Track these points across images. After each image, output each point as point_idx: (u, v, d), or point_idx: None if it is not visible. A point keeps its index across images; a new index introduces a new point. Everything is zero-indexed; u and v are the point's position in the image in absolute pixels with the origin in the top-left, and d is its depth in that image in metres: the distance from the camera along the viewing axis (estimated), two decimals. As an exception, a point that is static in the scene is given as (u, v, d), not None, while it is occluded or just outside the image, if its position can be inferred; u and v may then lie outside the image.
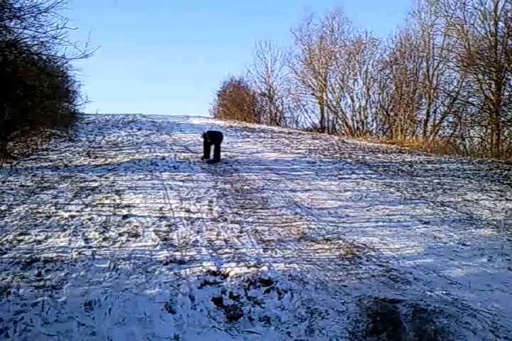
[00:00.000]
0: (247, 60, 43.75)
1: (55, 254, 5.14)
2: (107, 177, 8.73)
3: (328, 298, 4.39)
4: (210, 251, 5.49)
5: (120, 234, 5.89)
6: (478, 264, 5.63)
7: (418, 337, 3.59)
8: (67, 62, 12.11)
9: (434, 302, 4.26)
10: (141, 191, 7.89)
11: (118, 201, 7.32)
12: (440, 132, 18.77)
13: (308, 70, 22.73)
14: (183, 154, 11.14)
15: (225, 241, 5.86)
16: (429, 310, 3.96)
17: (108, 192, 7.77)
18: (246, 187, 8.61)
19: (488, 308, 4.36)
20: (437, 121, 19.01)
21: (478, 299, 4.56)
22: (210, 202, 7.51)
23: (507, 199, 8.74)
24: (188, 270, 4.89)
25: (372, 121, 20.63)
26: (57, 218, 6.41)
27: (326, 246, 5.94)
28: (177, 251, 5.42)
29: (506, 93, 16.11)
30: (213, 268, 4.94)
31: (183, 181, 8.67)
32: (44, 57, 11.03)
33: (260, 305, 4.29)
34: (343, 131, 20.33)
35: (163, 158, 10.49)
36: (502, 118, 15.72)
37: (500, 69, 15.98)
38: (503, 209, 8.12)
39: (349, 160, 11.61)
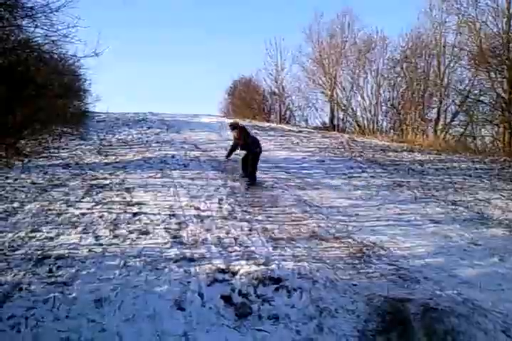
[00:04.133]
0: (258, 59, 43.63)
1: (66, 251, 5.19)
2: (117, 175, 8.77)
3: (338, 297, 4.39)
4: (220, 248, 5.50)
5: (130, 232, 5.92)
6: (490, 264, 5.59)
7: (428, 337, 3.58)
8: (78, 61, 12.21)
9: (445, 301, 4.24)
10: (151, 189, 7.92)
11: (128, 199, 7.36)
12: (451, 131, 18.58)
13: (318, 68, 22.61)
14: (193, 152, 11.15)
15: (235, 239, 5.87)
16: (439, 309, 3.95)
17: (118, 190, 7.81)
18: (255, 185, 8.61)
19: (500, 308, 4.34)
20: (448, 120, 18.80)
21: (489, 299, 4.54)
22: (220, 200, 7.53)
23: (519, 199, 8.65)
24: (197, 267, 4.91)
25: (383, 119, 20.51)
26: (68, 215, 6.46)
27: (336, 245, 5.93)
28: (187, 248, 5.44)
29: (519, 91, 15.90)
30: (222, 266, 4.95)
31: (192, 179, 8.69)
32: (55, 56, 11.12)
33: (269, 303, 4.30)
34: (353, 130, 20.21)
35: (173, 156, 10.51)
36: (515, 117, 15.52)
37: (512, 68, 15.79)
38: (515, 208, 8.05)
39: (359, 159, 11.55)
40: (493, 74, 16.73)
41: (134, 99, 46.74)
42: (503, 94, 16.45)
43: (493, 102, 16.96)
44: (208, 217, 6.68)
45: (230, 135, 10.55)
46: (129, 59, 49.64)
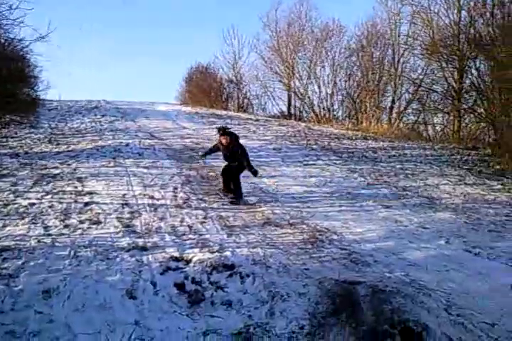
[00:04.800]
0: (215, 47, 43.16)
1: (12, 243, 5.01)
2: (68, 165, 8.53)
3: (290, 281, 4.44)
4: (174, 237, 5.46)
5: (81, 222, 5.79)
6: (437, 246, 5.80)
7: (375, 317, 3.68)
8: (27, 46, 11.74)
9: (393, 283, 4.37)
10: (104, 178, 7.75)
11: (80, 188, 7.18)
12: (405, 119, 19.06)
13: (275, 57, 22.60)
14: (148, 141, 10.98)
15: (189, 227, 5.84)
16: (387, 290, 4.07)
17: (69, 180, 7.61)
18: (211, 173, 8.57)
19: (444, 288, 4.51)
20: (402, 108, 19.31)
21: (435, 279, 4.70)
22: (175, 188, 7.46)
23: (466, 184, 9.01)
24: (150, 256, 4.85)
25: (339, 108, 20.78)
26: (16, 206, 6.24)
27: (290, 231, 6.00)
28: (139, 237, 5.37)
29: (468, 81, 16.43)
30: (176, 254, 4.92)
31: (147, 168, 8.57)
32: (3, 41, 10.64)
33: (223, 289, 4.31)
34: (310, 118, 20.40)
35: (127, 145, 10.32)
36: (463, 106, 16.05)
37: (463, 58, 16.27)
38: (461, 193, 8.38)
39: (315, 147, 11.70)
40: (444, 64, 17.20)
41: (87, 87, 45.39)
42: (453, 84, 16.96)
43: (445, 91, 17.48)
44: (162, 205, 6.61)
45: (214, 139, 9.02)
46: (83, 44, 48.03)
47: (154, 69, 47.45)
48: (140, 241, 5.23)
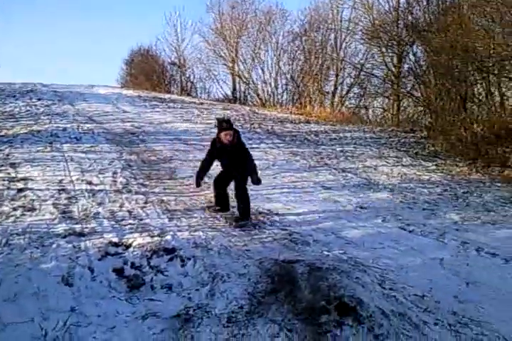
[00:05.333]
0: (157, 28, 42.09)
1: None
2: (1, 150, 8.11)
3: (231, 263, 4.48)
4: (113, 222, 5.34)
5: (14, 209, 5.54)
6: (374, 225, 6.01)
7: (313, 294, 3.78)
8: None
9: (330, 260, 4.51)
10: (40, 164, 7.43)
11: (13, 174, 6.85)
12: (347, 103, 19.54)
13: (219, 40, 22.40)
14: (87, 125, 10.61)
15: (129, 212, 5.72)
16: (324, 268, 4.19)
17: (2, 166, 7.24)
18: (153, 157, 8.43)
19: (379, 264, 4.70)
20: (344, 93, 19.72)
21: (371, 256, 4.89)
22: (114, 173, 7.28)
23: (402, 165, 9.38)
24: (87, 242, 4.73)
25: (283, 92, 20.94)
26: None
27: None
28: (77, 223, 5.21)
29: (406, 66, 16.97)
30: (115, 240, 4.81)
31: (85, 153, 8.29)
32: None
33: (163, 273, 4.27)
34: (254, 102, 20.45)
35: (65, 129, 9.93)
36: (402, 90, 16.60)
37: (401, 43, 16.76)
38: (398, 173, 8.71)
39: (258, 130, 11.75)
40: (384, 49, 17.67)
41: (23, 69, 43.03)
42: (392, 69, 17.48)
43: (384, 76, 17.98)
44: (101, 191, 6.43)
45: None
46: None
47: (93, 51, 45.72)
48: (77, 227, 5.08)
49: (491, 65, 11.32)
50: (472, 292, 4.23)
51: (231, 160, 5.72)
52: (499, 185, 8.34)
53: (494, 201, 7.27)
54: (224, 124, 5.62)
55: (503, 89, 12.19)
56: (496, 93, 12.33)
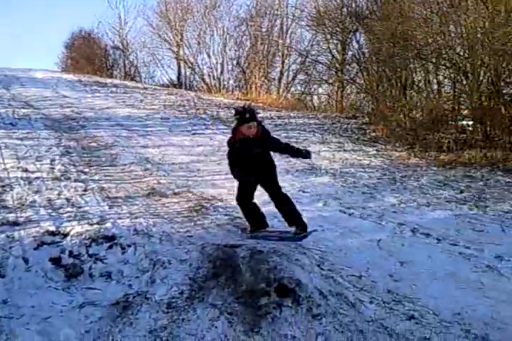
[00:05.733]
0: (99, 10, 40.49)
1: None
2: None
3: (173, 249, 4.45)
4: (50, 210, 5.16)
5: None
6: (315, 209, 6.12)
7: (254, 277, 3.83)
8: None
9: (272, 244, 4.56)
10: (-30, 151, 7.06)
11: None
12: (292, 89, 19.69)
13: (163, 24, 21.87)
14: (23, 110, 10.14)
15: (67, 200, 5.55)
16: (265, 251, 4.23)
17: None
18: (93, 144, 8.19)
19: (319, 246, 4.80)
20: (290, 79, 19.84)
21: (312, 239, 4.98)
22: (52, 160, 7.02)
23: (344, 150, 9.60)
24: (22, 231, 4.55)
25: (229, 77, 20.81)
26: None
27: (175, 200, 5.97)
28: (10, 212, 5.00)
29: (350, 53, 17.27)
30: (52, 228, 4.66)
31: (21, 139, 7.94)
32: None
33: (102, 261, 4.19)
34: (200, 88, 20.21)
35: (-1, 115, 9.46)
36: (346, 77, 16.90)
37: (345, 30, 17.00)
38: (340, 158, 8.92)
39: (204, 116, 11.66)
40: (329, 36, 17.85)
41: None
42: (337, 56, 17.73)
43: (329, 63, 18.22)
44: (38, 178, 6.19)
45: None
46: None
47: (30, 34, 43.39)
48: (11, 217, 4.88)
49: (429, 53, 11.72)
50: (406, 271, 4.42)
51: (255, 160, 4.66)
52: (435, 169, 8.70)
53: (430, 184, 7.59)
54: (247, 115, 4.55)
55: (440, 77, 12.69)
56: (434, 80, 12.83)
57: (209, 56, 20.66)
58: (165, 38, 21.77)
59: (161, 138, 9.27)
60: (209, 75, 20.47)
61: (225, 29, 20.67)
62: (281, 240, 4.67)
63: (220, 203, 5.98)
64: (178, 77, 21.47)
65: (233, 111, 4.87)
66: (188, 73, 21.61)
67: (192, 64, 21.08)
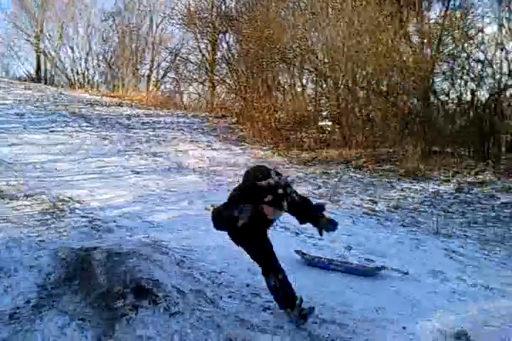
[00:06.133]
0: None
1: None
2: None
3: (20, 255, 4.10)
4: None
5: None
6: (181, 207, 6.12)
7: (108, 278, 3.68)
8: None
9: (131, 245, 4.43)
10: None
11: None
12: (162, 87, 19.36)
13: (21, 12, 20.05)
14: None
15: None
16: (123, 253, 4.09)
17: None
18: None
19: (182, 245, 4.81)
20: (160, 77, 19.51)
21: (175, 238, 4.97)
22: None
23: (213, 149, 9.73)
24: None
25: (95, 73, 19.76)
26: None
27: (27, 203, 5.56)
28: None
29: (219, 53, 17.49)
30: None
31: None
32: None
33: None
34: (62, 83, 18.91)
35: None
36: (216, 77, 17.07)
37: (215, 31, 17.18)
38: (208, 157, 9.02)
39: (64, 113, 10.95)
40: (199, 36, 17.89)
41: None
42: (207, 55, 17.84)
43: (199, 62, 18.26)
44: None
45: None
46: None
47: None
48: None
49: (293, 57, 12.35)
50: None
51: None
52: (297, 166, 9.20)
53: (291, 181, 7.98)
54: (280, 190, 3.31)
55: (304, 80, 13.47)
56: (298, 83, 13.56)
57: (72, 50, 19.43)
58: (22, 28, 19.98)
59: (15, 135, 8.52)
60: (72, 70, 19.24)
61: (91, 22, 19.63)
62: None
63: (77, 205, 5.68)
64: (37, 71, 19.82)
65: (264, 184, 3.32)
66: (48, 67, 20.07)
67: (53, 57, 19.63)
